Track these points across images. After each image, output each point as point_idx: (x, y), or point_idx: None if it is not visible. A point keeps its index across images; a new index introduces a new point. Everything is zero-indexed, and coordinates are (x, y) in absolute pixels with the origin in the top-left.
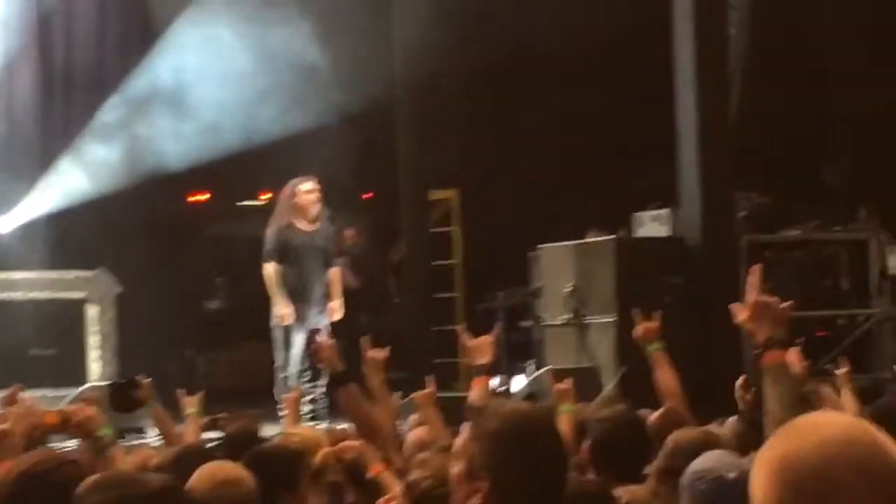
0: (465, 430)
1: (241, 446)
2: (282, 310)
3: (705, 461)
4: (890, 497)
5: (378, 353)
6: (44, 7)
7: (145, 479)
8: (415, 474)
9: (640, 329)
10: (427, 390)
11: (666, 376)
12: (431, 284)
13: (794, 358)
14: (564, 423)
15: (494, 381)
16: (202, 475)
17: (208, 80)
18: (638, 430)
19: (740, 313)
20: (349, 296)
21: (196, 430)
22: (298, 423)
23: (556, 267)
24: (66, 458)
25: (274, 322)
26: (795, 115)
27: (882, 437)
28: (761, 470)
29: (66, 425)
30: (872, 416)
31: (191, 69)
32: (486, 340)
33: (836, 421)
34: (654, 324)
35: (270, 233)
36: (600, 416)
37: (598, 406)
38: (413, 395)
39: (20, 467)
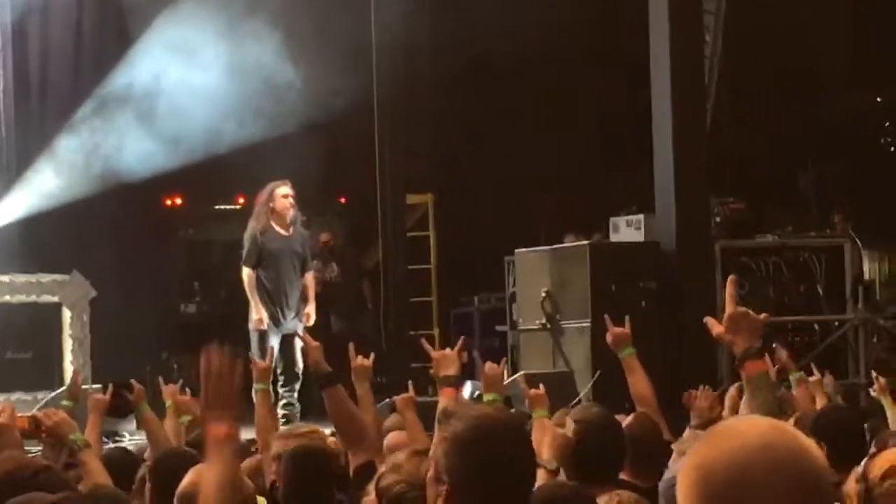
0: (435, 434)
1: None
2: (259, 313)
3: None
4: (807, 500)
5: (364, 361)
6: (19, 11)
7: None
8: (387, 478)
9: (611, 335)
10: (406, 395)
11: (638, 382)
12: (408, 288)
13: (782, 359)
14: (539, 429)
15: (467, 389)
16: (195, 477)
17: (183, 84)
18: (613, 434)
19: (715, 327)
20: (324, 294)
21: (175, 423)
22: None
23: (532, 271)
24: (42, 464)
25: (251, 325)
26: (771, 122)
27: (803, 440)
28: (683, 477)
29: (37, 430)
30: (813, 431)
31: (166, 73)
32: (451, 352)
33: (756, 425)
34: (624, 329)
35: (247, 237)
36: (576, 418)
37: (574, 411)
38: (393, 398)
39: None
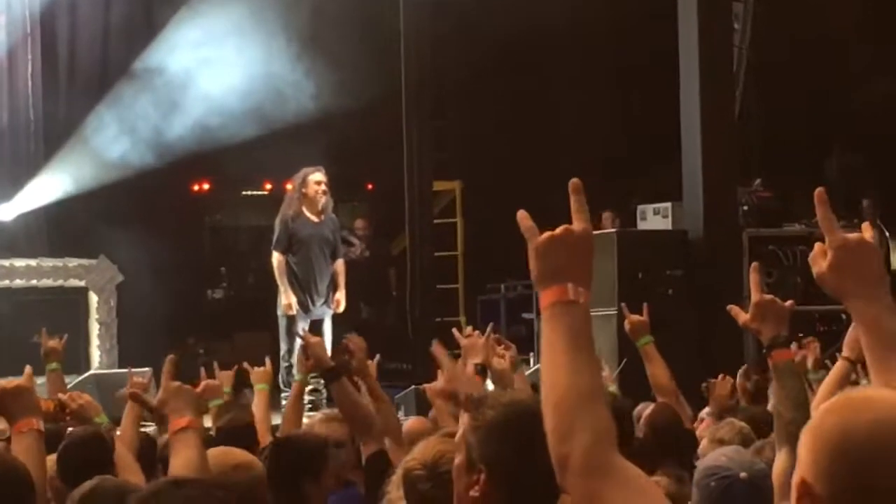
0: (464, 421)
1: (234, 437)
2: (288, 299)
3: (718, 458)
4: None
5: (362, 350)
6: None
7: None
8: (409, 461)
9: (629, 323)
10: (437, 383)
11: (657, 371)
12: (434, 275)
13: (812, 351)
14: None
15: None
16: (212, 460)
17: (211, 70)
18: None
19: (740, 315)
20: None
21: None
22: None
23: None
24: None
25: (280, 311)
26: (799, 110)
27: None
28: (815, 441)
29: (62, 412)
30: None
31: (195, 58)
32: (478, 339)
33: (889, 397)
34: (642, 318)
35: (279, 222)
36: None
37: None
38: (422, 386)
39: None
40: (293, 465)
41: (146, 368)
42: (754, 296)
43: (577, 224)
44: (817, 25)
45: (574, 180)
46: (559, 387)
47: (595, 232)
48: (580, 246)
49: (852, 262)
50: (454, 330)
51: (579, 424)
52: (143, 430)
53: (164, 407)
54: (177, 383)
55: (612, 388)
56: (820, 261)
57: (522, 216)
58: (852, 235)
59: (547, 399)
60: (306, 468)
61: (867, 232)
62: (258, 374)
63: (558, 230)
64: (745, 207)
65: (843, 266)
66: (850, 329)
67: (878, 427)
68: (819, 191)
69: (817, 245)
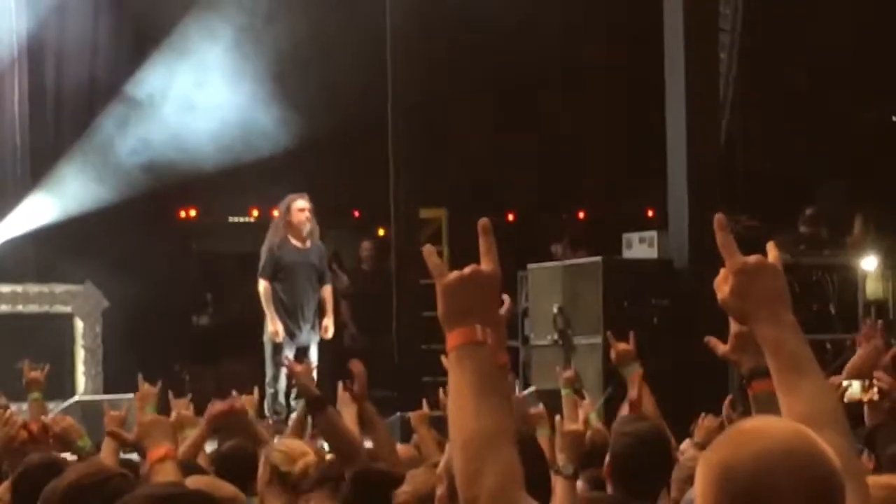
0: (447, 450)
1: (233, 464)
2: (274, 326)
3: None
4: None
5: (363, 376)
6: (34, 23)
7: None
8: (402, 493)
9: (614, 351)
10: (421, 411)
11: (645, 397)
12: (420, 303)
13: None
14: (545, 445)
15: None
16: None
17: (198, 97)
18: (662, 447)
19: (719, 346)
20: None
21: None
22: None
23: (544, 287)
24: (115, 471)
25: (266, 337)
26: (784, 139)
27: (821, 444)
28: (702, 475)
29: (45, 435)
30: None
31: (181, 85)
32: None
33: (777, 428)
34: (629, 347)
35: (264, 249)
36: (624, 430)
37: (622, 421)
38: (407, 414)
39: (69, 478)
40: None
41: (130, 395)
42: (734, 327)
43: (486, 265)
44: (805, 55)
45: (483, 220)
46: (466, 429)
47: (579, 260)
48: (488, 287)
49: (752, 285)
50: (443, 358)
51: (487, 467)
52: (126, 456)
53: (141, 440)
54: (151, 415)
55: (593, 417)
56: (723, 286)
57: (429, 252)
58: (752, 258)
59: (454, 441)
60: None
61: (772, 252)
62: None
63: (466, 270)
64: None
65: (744, 289)
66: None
67: (761, 459)
68: (718, 216)
69: (722, 271)
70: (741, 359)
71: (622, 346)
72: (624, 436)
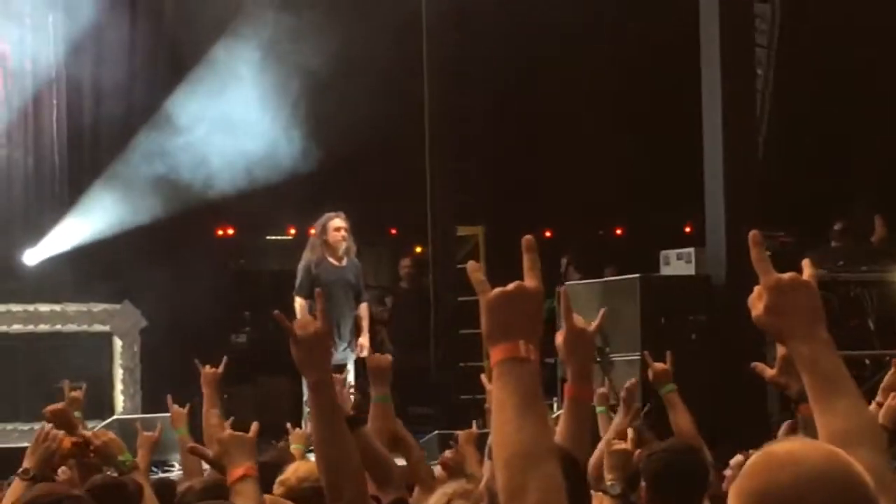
0: (486, 468)
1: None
2: None
3: None
4: None
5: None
6: (73, 40)
7: None
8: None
9: (651, 371)
10: (469, 430)
11: (681, 418)
12: (458, 320)
13: None
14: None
15: None
16: None
17: (235, 116)
18: (698, 462)
19: (765, 371)
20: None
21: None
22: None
23: (581, 304)
24: (67, 493)
25: None
26: (822, 154)
27: (856, 467)
28: (739, 499)
29: (86, 449)
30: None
31: (217, 105)
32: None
33: (810, 451)
34: (665, 366)
35: (301, 267)
36: (658, 447)
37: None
38: (456, 434)
39: (23, 501)
40: None
41: (167, 414)
42: (780, 350)
43: (530, 281)
44: (841, 69)
45: (527, 237)
46: (509, 445)
47: (617, 277)
48: (532, 303)
49: (787, 302)
50: (482, 377)
51: (530, 483)
52: (164, 475)
53: (221, 458)
54: (230, 433)
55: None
56: (757, 304)
57: (473, 268)
58: (786, 275)
59: (498, 457)
60: None
61: (807, 269)
62: (297, 436)
63: (510, 286)
64: (769, 253)
65: (779, 307)
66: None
67: (799, 484)
68: (753, 233)
69: (756, 289)
70: (788, 382)
71: (659, 365)
72: (655, 454)
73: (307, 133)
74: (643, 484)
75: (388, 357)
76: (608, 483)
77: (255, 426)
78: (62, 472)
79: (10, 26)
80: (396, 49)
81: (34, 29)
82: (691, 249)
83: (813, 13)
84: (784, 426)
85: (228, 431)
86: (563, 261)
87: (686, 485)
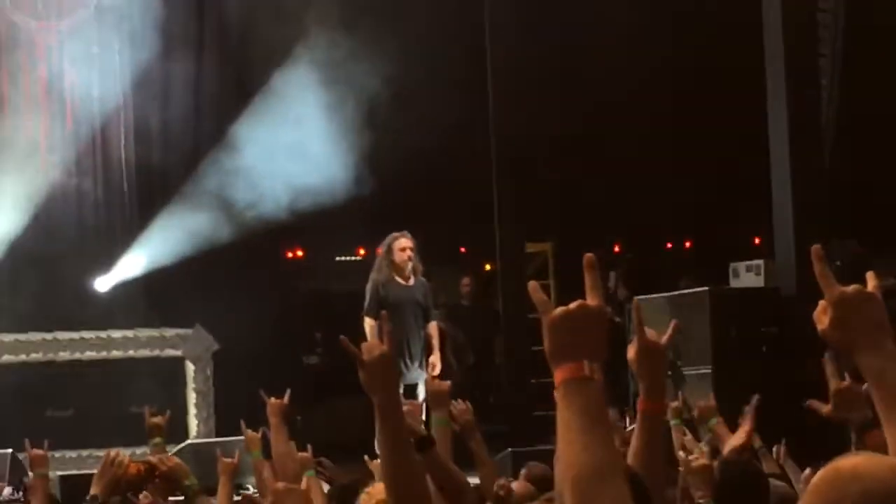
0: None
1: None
2: None
3: None
4: None
5: (466, 413)
6: (140, 67)
7: None
8: None
9: (697, 411)
10: None
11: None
12: (530, 337)
13: None
14: None
15: None
16: None
17: (303, 139)
18: (755, 472)
19: (822, 409)
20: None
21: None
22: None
23: (652, 318)
24: None
25: None
26: (890, 161)
27: None
28: None
29: (151, 475)
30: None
31: (286, 126)
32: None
33: (880, 466)
34: (710, 403)
35: (369, 288)
36: (721, 461)
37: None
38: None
39: None
40: None
41: (242, 437)
42: (832, 384)
43: (592, 300)
44: None
45: (588, 255)
46: (576, 465)
47: (686, 291)
48: (595, 322)
49: (852, 315)
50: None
51: (599, 502)
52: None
53: None
54: (284, 484)
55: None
56: (823, 318)
57: (534, 287)
58: (850, 288)
59: (564, 477)
60: None
61: (871, 281)
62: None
63: (573, 305)
64: (839, 263)
65: (844, 320)
66: None
67: (867, 500)
68: (815, 247)
69: (820, 303)
70: (847, 416)
71: (701, 403)
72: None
73: (375, 152)
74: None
75: (447, 383)
76: (701, 501)
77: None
78: (143, 498)
79: (77, 57)
80: (461, 64)
81: (101, 59)
82: (761, 261)
83: (877, 19)
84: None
85: (282, 484)
86: (612, 275)
87: (746, 494)
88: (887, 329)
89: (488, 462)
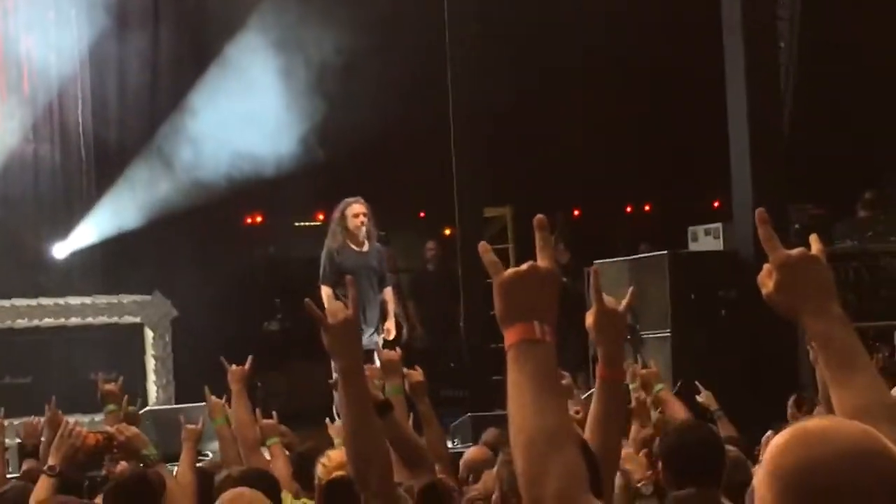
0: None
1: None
2: None
3: None
4: None
5: (418, 376)
6: (96, 35)
7: None
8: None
9: (640, 377)
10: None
11: (677, 410)
12: (488, 302)
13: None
14: None
15: None
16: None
17: (258, 103)
18: (710, 438)
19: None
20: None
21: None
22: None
23: (610, 282)
24: None
25: None
26: (850, 124)
27: (888, 442)
28: (775, 479)
29: (110, 446)
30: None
31: (242, 91)
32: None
33: (845, 428)
34: (654, 369)
35: (324, 255)
36: (671, 427)
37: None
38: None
39: None
40: None
41: (202, 404)
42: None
43: (543, 261)
44: (866, 39)
45: (538, 217)
46: (527, 429)
47: (645, 255)
48: (546, 283)
49: (797, 279)
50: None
51: (551, 468)
52: (199, 465)
53: None
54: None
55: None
56: (767, 281)
57: (484, 249)
58: (794, 251)
59: (515, 441)
60: None
61: (815, 244)
62: (335, 429)
63: (523, 267)
64: (797, 226)
65: (789, 283)
66: None
67: (841, 460)
68: (759, 210)
69: (765, 266)
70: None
71: (646, 371)
72: (668, 433)
73: (332, 117)
74: (660, 465)
75: (398, 352)
76: (640, 483)
77: None
78: (120, 465)
79: (33, 21)
80: (418, 29)
81: (58, 23)
82: (719, 225)
83: None
84: (790, 402)
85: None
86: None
87: (700, 460)
88: (832, 292)
89: (435, 423)
